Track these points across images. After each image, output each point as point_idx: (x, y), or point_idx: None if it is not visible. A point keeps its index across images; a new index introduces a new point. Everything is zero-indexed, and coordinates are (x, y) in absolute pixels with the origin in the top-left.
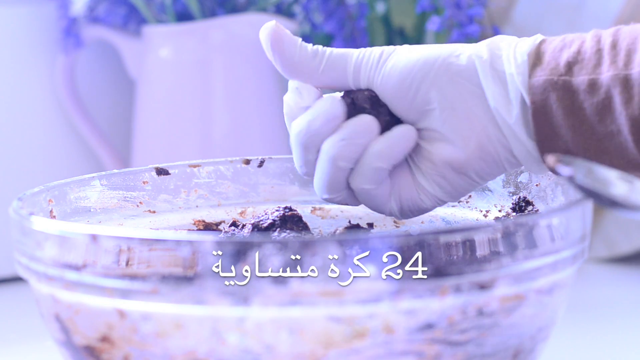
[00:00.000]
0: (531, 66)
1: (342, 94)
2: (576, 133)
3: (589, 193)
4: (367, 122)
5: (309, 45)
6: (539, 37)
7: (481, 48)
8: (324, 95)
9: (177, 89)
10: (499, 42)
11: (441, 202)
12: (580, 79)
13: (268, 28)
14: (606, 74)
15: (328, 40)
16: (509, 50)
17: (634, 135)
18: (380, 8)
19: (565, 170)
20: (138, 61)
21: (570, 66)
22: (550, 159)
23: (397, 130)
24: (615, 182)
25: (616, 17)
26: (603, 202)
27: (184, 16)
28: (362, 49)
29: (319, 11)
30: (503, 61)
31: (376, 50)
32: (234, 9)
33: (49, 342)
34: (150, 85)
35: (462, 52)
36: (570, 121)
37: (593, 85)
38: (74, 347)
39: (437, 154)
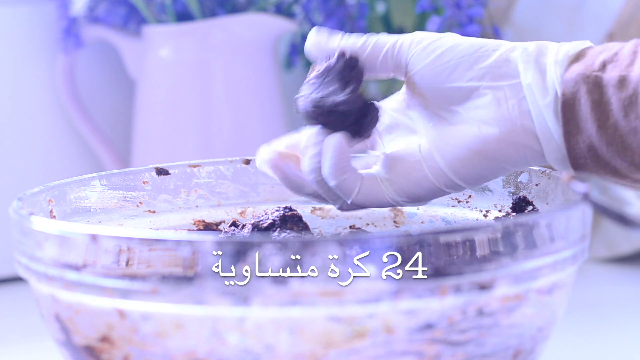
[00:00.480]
0: (570, 63)
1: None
2: (601, 127)
3: (604, 211)
4: (310, 138)
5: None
6: (586, 43)
7: (530, 44)
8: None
9: (177, 89)
10: (547, 44)
11: (450, 188)
12: (612, 75)
13: (310, 38)
14: (637, 71)
15: None
16: (555, 48)
17: None
18: (380, 8)
19: (580, 187)
20: (138, 61)
21: (604, 64)
22: (566, 175)
23: (326, 146)
24: (632, 200)
25: (616, 17)
26: (618, 220)
27: (184, 16)
28: (401, 35)
29: (319, 11)
30: (547, 56)
31: (417, 34)
32: (234, 9)
33: (49, 342)
34: (150, 85)
35: (508, 45)
36: (596, 115)
37: (623, 81)
38: (74, 347)
39: (459, 135)
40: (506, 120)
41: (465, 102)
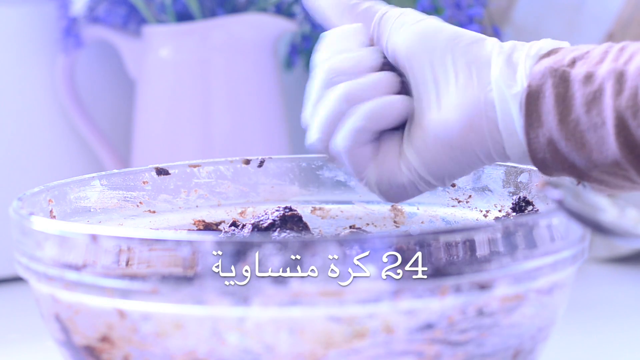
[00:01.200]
0: (540, 57)
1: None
2: (562, 122)
3: (579, 217)
4: (388, 80)
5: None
6: (563, 43)
7: (506, 42)
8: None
9: (177, 89)
10: (523, 43)
11: (420, 181)
12: (579, 70)
13: None
14: (604, 68)
15: None
16: (529, 45)
17: (617, 127)
18: None
19: (554, 193)
20: (138, 61)
21: (574, 60)
22: (540, 181)
23: (394, 98)
24: (605, 207)
25: (616, 17)
26: (592, 227)
27: (184, 16)
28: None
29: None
30: (520, 51)
31: (397, 10)
32: (234, 9)
33: (49, 342)
34: (150, 85)
35: (487, 39)
36: (559, 108)
37: (589, 77)
38: (74, 347)
39: (427, 119)
40: (471, 108)
41: (436, 87)
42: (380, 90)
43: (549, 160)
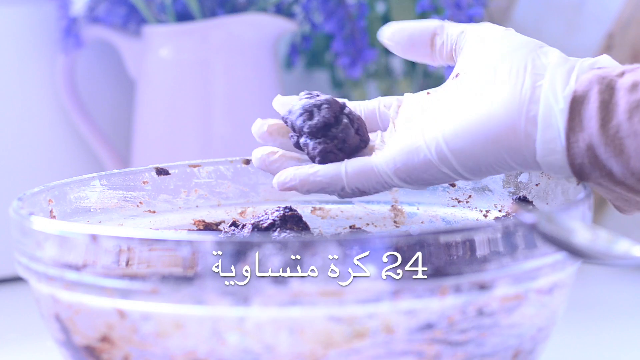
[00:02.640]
0: (593, 69)
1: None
2: (603, 127)
3: (552, 240)
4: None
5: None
6: (616, 64)
7: (570, 57)
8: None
9: (177, 89)
10: (586, 58)
11: (444, 167)
12: (627, 79)
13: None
14: None
15: (328, 40)
16: (586, 59)
17: None
18: (380, 8)
19: (527, 217)
20: (138, 61)
21: (623, 72)
22: (513, 206)
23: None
24: (579, 230)
25: (616, 17)
26: (566, 250)
27: (184, 16)
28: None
29: (319, 11)
30: (577, 64)
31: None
32: (234, 9)
33: (49, 342)
34: (150, 85)
35: (552, 49)
36: (601, 114)
37: (635, 86)
38: (74, 347)
39: (474, 111)
40: (514, 104)
41: (493, 83)
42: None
43: (587, 166)
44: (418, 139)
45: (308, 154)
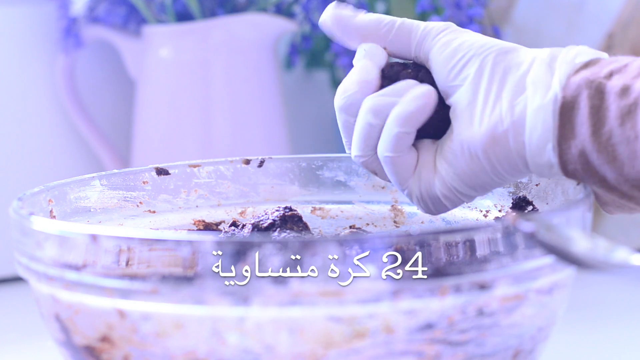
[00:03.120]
0: (579, 69)
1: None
2: (595, 134)
3: (551, 249)
4: (407, 83)
5: (370, 14)
6: (601, 54)
7: (543, 50)
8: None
9: (177, 89)
10: (560, 49)
11: (454, 194)
12: (616, 83)
13: (328, 11)
14: None
15: (328, 40)
16: (566, 51)
17: None
18: (380, 8)
19: (526, 226)
20: (138, 61)
21: (612, 73)
22: (511, 215)
23: (414, 91)
24: (578, 239)
25: (616, 17)
26: (565, 258)
27: (184, 16)
28: (429, 22)
29: (319, 11)
30: (558, 59)
31: (440, 24)
32: (234, 9)
33: (49, 342)
34: (150, 85)
35: (521, 48)
36: (593, 120)
37: (625, 90)
38: (74, 347)
39: (457, 131)
40: (496, 120)
41: (469, 99)
42: (401, 95)
43: (580, 173)
44: (432, 174)
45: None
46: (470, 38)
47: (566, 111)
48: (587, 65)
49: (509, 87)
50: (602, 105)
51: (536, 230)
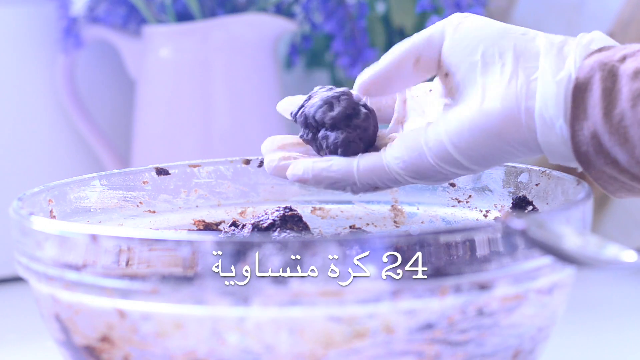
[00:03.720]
0: (592, 53)
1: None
2: (607, 115)
3: (542, 246)
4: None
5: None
6: (612, 41)
7: (557, 36)
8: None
9: (177, 89)
10: (572, 38)
11: (449, 165)
12: (629, 66)
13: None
14: None
15: (328, 40)
16: (580, 36)
17: None
18: (380, 8)
19: (517, 223)
20: (138, 61)
21: (625, 57)
22: (503, 212)
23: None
24: (569, 236)
25: (616, 17)
26: (556, 255)
27: (184, 16)
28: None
29: (319, 11)
30: (570, 44)
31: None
32: (234, 9)
33: (49, 342)
34: (150, 85)
35: (537, 33)
36: (605, 102)
37: (638, 73)
38: (74, 347)
39: (469, 108)
40: (511, 97)
41: (483, 77)
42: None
43: (592, 154)
44: (421, 139)
45: (327, 147)
46: (488, 22)
47: (579, 92)
48: (601, 49)
49: (523, 67)
50: (615, 88)
51: (527, 227)
